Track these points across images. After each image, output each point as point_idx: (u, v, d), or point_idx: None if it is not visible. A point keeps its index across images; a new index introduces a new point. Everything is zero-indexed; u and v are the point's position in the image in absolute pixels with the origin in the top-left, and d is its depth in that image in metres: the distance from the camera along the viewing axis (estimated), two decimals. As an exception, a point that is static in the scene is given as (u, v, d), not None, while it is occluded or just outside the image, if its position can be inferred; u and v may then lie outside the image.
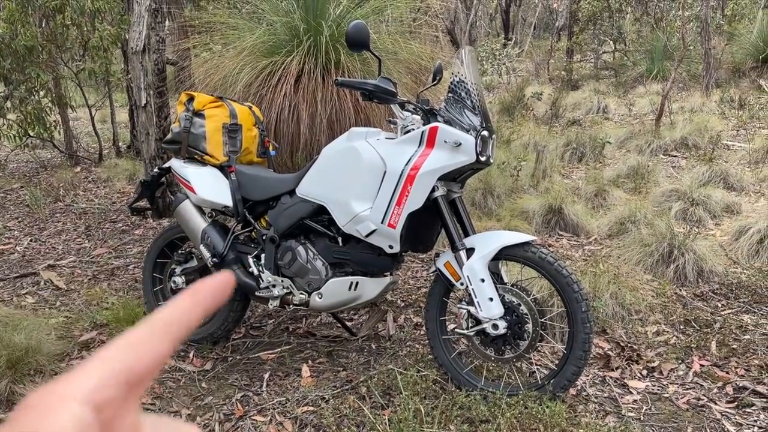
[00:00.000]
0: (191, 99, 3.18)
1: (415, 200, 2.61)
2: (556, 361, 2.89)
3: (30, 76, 6.95)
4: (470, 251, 2.66)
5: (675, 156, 7.19)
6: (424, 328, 2.90)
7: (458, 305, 2.74)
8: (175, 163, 3.20)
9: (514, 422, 2.40)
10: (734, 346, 3.10)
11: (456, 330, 2.72)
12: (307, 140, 3.95)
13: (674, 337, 3.24)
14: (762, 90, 10.84)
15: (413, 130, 2.70)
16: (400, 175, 2.62)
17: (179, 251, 3.36)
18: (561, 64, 14.86)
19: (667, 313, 3.46)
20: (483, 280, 2.61)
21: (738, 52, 12.58)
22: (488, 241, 2.65)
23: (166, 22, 5.75)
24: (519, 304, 2.63)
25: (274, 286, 2.99)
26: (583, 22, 15.12)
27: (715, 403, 2.70)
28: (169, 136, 3.22)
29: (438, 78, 3.06)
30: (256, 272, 3.03)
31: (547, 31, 21.93)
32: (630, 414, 2.64)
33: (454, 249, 2.68)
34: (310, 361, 3.14)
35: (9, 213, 6.03)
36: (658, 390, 2.83)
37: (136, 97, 5.37)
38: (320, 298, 2.88)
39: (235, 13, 4.46)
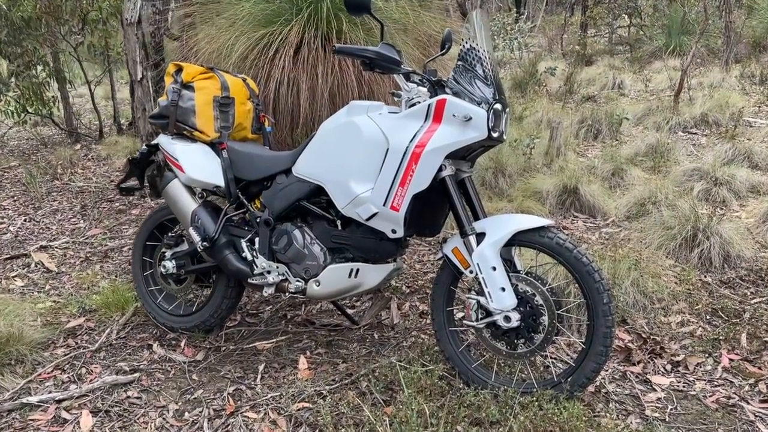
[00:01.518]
0: (179, 70, 2.94)
1: (421, 180, 2.37)
2: (574, 356, 2.67)
3: (26, 49, 6.72)
4: (481, 236, 2.42)
5: (695, 133, 6.90)
6: (429, 318, 2.67)
7: (467, 295, 2.51)
8: (163, 140, 2.97)
9: (528, 425, 2.17)
10: (766, 339, 2.86)
11: (465, 321, 2.49)
12: (308, 115, 3.70)
13: (700, 328, 3.00)
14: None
15: (419, 103, 2.45)
16: (404, 152, 2.38)
17: (170, 234, 3.15)
18: (575, 38, 14.44)
19: (691, 302, 3.22)
20: (494, 268, 2.37)
21: (759, 25, 12.15)
22: (500, 226, 2.41)
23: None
24: (534, 294, 2.39)
25: (268, 272, 2.77)
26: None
27: (747, 403, 2.47)
28: (156, 110, 2.98)
29: (447, 47, 2.79)
30: (249, 257, 2.80)
31: (561, 5, 21.38)
32: (654, 414, 2.41)
33: (463, 234, 2.44)
34: (308, 351, 2.93)
35: (5, 191, 5.84)
36: (683, 387, 2.60)
37: (132, 71, 5.15)
38: (318, 286, 2.66)
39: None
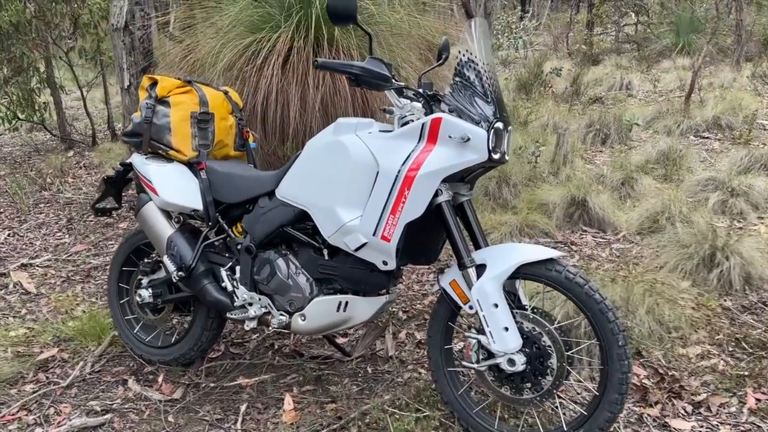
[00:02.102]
0: (154, 83, 2.69)
1: (414, 207, 2.12)
2: (587, 398, 2.42)
3: (15, 55, 6.50)
4: (481, 268, 2.17)
5: (707, 138, 6.62)
6: (426, 356, 2.42)
7: (467, 333, 2.26)
8: (136, 159, 2.73)
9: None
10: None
11: (464, 363, 2.24)
12: (298, 127, 3.47)
13: (722, 362, 2.74)
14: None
15: (413, 121, 2.20)
16: (396, 176, 2.13)
17: (146, 260, 2.91)
18: (581, 37, 14.11)
19: (712, 331, 2.96)
20: (496, 306, 2.12)
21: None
22: (503, 257, 2.16)
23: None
24: (540, 334, 2.14)
25: (250, 304, 2.53)
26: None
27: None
28: (129, 127, 2.74)
29: (445, 56, 2.55)
30: (230, 288, 2.56)
31: (566, 2, 21.11)
32: (675, 467, 2.17)
33: (462, 266, 2.19)
34: (294, 388, 2.68)
35: (-10, 202, 5.63)
36: (706, 432, 2.35)
37: (119, 78, 4.92)
38: (303, 321, 2.41)
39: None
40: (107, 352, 3.03)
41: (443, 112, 2.14)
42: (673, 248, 3.54)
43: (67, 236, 4.73)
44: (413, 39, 3.88)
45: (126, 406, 2.63)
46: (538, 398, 2.17)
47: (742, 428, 2.36)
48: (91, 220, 4.98)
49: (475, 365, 2.20)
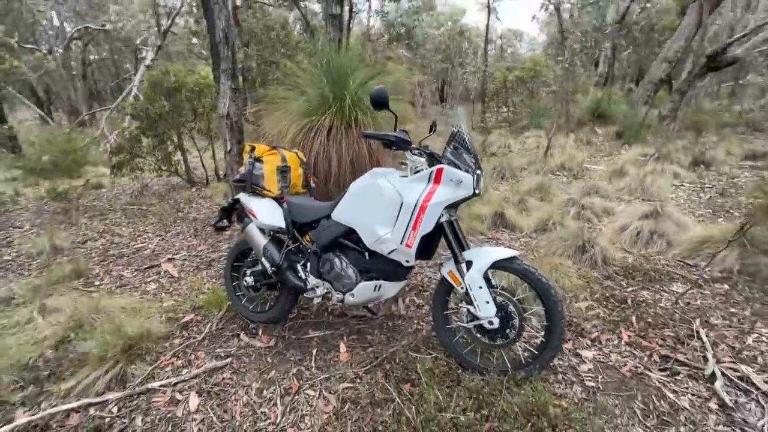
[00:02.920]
0: (253, 149, 2.35)
1: (427, 225, 1.83)
2: (533, 343, 2.13)
3: (158, 132, 6.01)
4: (469, 263, 1.88)
5: (559, 175, 6.43)
6: (431, 319, 2.11)
7: (460, 304, 1.96)
8: (242, 197, 2.38)
9: (512, 403, 1.64)
10: (649, 320, 2.36)
11: (458, 323, 1.95)
12: (336, 175, 3.13)
13: (602, 311, 2.49)
14: (596, 133, 10.08)
15: (421, 170, 1.91)
16: (415, 205, 1.83)
17: (248, 259, 2.55)
18: (479, 118, 13.94)
19: (591, 291, 2.71)
20: (480, 287, 1.84)
21: (582, 110, 11.77)
22: (483, 256, 1.88)
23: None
24: (507, 304, 1.86)
25: (317, 287, 2.20)
26: (489, 95, 14.25)
27: (650, 371, 1.96)
28: (237, 176, 2.39)
29: (433, 130, 2.25)
30: (303, 276, 2.23)
31: (467, 99, 20.91)
32: (591, 384, 1.89)
33: (457, 262, 1.90)
34: (345, 337, 2.36)
35: (148, 220, 5.14)
36: (603, 358, 2.09)
37: (224, 145, 4.49)
38: (353, 297, 2.10)
39: (284, 88, 3.60)
40: (225, 315, 2.66)
41: (443, 164, 1.84)
42: (559, 242, 3.29)
43: (194, 240, 4.30)
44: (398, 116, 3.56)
45: (240, 352, 2.27)
46: (506, 343, 1.88)
47: (624, 355, 2.11)
48: (209, 229, 4.56)
49: (467, 324, 1.90)
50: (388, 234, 1.89)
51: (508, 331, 1.86)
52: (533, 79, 13.21)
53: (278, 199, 2.32)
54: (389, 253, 1.92)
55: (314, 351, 2.23)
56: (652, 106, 9.50)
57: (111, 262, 3.75)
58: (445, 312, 2.05)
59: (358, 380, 1.94)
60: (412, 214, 1.83)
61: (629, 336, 2.23)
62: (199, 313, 2.70)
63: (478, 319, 1.87)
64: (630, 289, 2.74)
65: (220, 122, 4.44)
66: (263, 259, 2.26)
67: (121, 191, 6.95)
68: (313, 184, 2.56)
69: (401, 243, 1.86)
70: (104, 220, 5.13)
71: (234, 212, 2.63)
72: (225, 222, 2.64)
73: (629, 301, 2.55)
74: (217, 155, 7.77)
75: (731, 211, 4.15)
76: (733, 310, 2.42)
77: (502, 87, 13.50)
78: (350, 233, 2.10)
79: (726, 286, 2.68)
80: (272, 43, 9.22)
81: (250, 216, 2.30)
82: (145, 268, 3.58)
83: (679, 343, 2.11)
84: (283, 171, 2.32)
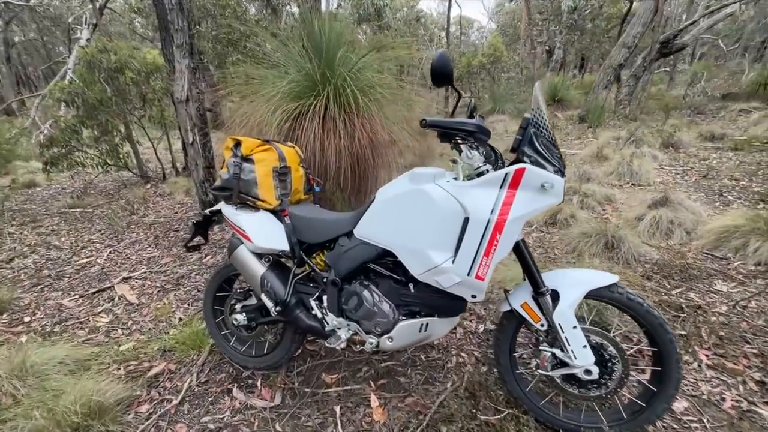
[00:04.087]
0: (238, 144, 1.65)
1: (505, 248, 1.26)
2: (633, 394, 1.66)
3: (101, 121, 4.94)
4: (554, 294, 1.35)
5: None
6: (494, 362, 1.57)
7: (541, 347, 1.43)
8: (227, 210, 1.68)
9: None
10: (720, 333, 1.97)
11: (539, 371, 1.42)
12: (336, 174, 2.47)
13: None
14: (558, 117, 9.96)
15: (483, 170, 1.32)
16: (487, 222, 1.25)
17: (239, 289, 1.87)
18: (442, 104, 13.46)
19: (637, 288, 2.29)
20: (575, 327, 1.31)
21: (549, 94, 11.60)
22: (573, 284, 1.35)
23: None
24: (607, 346, 1.35)
25: (339, 328, 1.58)
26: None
27: (757, 406, 1.56)
28: (218, 182, 1.68)
29: (474, 115, 1.66)
30: (319, 315, 1.60)
31: (425, 87, 20.33)
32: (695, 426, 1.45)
33: (539, 293, 1.36)
34: (371, 382, 1.77)
35: (94, 226, 4.18)
36: (692, 390, 1.65)
37: (185, 136, 3.63)
38: (391, 342, 1.51)
39: (260, 66, 2.83)
40: (208, 360, 1.97)
41: (525, 162, 1.27)
42: (582, 237, 2.86)
43: (155, 250, 3.47)
44: (397, 102, 2.93)
45: (236, 419, 1.62)
46: (603, 395, 1.38)
47: (711, 382, 1.69)
48: (172, 236, 3.73)
49: (551, 373, 1.38)
50: (449, 262, 1.31)
51: (606, 380, 1.36)
52: (494, 65, 12.88)
53: (277, 213, 1.65)
54: (449, 287, 1.34)
55: (337, 409, 1.63)
56: (611, 90, 9.45)
57: (46, 286, 2.87)
58: (514, 353, 1.51)
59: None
60: (483, 234, 1.26)
61: (707, 356, 1.82)
62: (171, 359, 1.99)
63: (566, 366, 1.36)
64: (675, 291, 2.36)
65: (178, 108, 3.56)
66: (264, 297, 1.60)
67: (60, 190, 5.78)
68: (317, 188, 1.89)
69: (469, 274, 1.29)
70: (38, 228, 4.10)
71: (209, 227, 1.92)
72: (200, 239, 1.93)
73: (684, 308, 2.16)
74: (174, 146, 6.71)
75: (724, 194, 3.95)
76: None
77: (465, 72, 13.05)
78: (383, 256, 1.49)
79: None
80: (228, 21, 8.06)
81: (241, 238, 1.62)
82: (93, 293, 2.76)
83: (768, 362, 1.74)
84: (282, 173, 1.64)
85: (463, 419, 1.48)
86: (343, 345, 1.57)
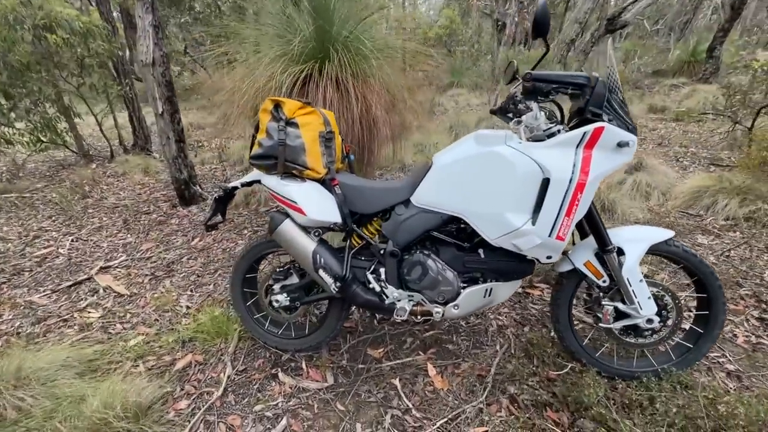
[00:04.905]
0: (278, 106, 1.47)
1: (583, 208, 1.28)
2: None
3: (31, 89, 4.21)
4: (618, 250, 1.40)
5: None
6: (552, 319, 1.62)
7: (603, 302, 1.49)
8: (272, 182, 1.51)
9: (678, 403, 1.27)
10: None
11: (601, 324, 1.49)
12: (352, 140, 2.33)
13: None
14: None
15: (553, 130, 1.32)
16: (569, 182, 1.25)
17: (278, 269, 1.72)
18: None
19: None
20: (641, 280, 1.38)
21: (497, 69, 11.88)
22: (635, 240, 1.41)
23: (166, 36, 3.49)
24: (663, 295, 1.45)
25: (399, 300, 1.53)
26: (411, 53, 13.61)
27: (764, 339, 1.77)
28: (258, 150, 1.49)
29: (515, 76, 1.62)
30: (377, 288, 1.53)
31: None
32: (729, 367, 1.63)
33: (606, 250, 1.40)
34: (420, 352, 1.75)
35: (41, 213, 3.62)
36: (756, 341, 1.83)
37: (153, 106, 3.22)
38: (456, 309, 1.49)
39: (253, 26, 2.53)
40: (239, 347, 1.82)
41: (603, 120, 1.27)
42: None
43: (129, 236, 3.10)
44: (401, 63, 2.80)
45: (291, 404, 1.53)
46: (657, 341, 1.49)
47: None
48: (144, 219, 3.35)
49: (612, 325, 1.45)
50: (528, 224, 1.29)
51: (662, 327, 1.46)
52: (450, 37, 12.87)
53: (326, 182, 1.51)
54: (528, 249, 1.33)
55: (397, 382, 1.59)
56: (565, 65, 9.91)
57: (4, 283, 2.46)
58: (571, 311, 1.57)
59: (487, 419, 1.39)
60: (565, 194, 1.26)
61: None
62: (195, 350, 1.81)
63: (628, 317, 1.43)
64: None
65: (144, 73, 3.14)
66: (321, 274, 1.48)
67: (-18, 174, 4.92)
68: (352, 156, 1.76)
69: (550, 235, 1.29)
70: (-32, 219, 3.47)
71: (229, 203, 1.73)
72: (219, 218, 1.73)
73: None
74: (120, 120, 5.96)
75: (679, 160, 4.36)
76: None
77: (422, 43, 12.91)
78: (448, 223, 1.44)
79: (739, 234, 2.67)
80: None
81: (292, 211, 1.47)
82: (70, 286, 2.42)
83: (763, 302, 1.98)
84: (328, 139, 1.50)
85: (527, 377, 1.53)
86: (404, 317, 1.52)
